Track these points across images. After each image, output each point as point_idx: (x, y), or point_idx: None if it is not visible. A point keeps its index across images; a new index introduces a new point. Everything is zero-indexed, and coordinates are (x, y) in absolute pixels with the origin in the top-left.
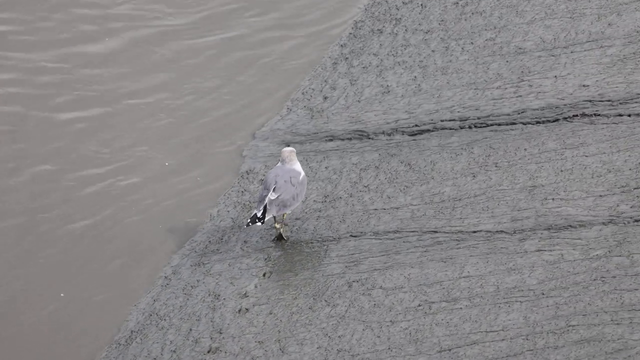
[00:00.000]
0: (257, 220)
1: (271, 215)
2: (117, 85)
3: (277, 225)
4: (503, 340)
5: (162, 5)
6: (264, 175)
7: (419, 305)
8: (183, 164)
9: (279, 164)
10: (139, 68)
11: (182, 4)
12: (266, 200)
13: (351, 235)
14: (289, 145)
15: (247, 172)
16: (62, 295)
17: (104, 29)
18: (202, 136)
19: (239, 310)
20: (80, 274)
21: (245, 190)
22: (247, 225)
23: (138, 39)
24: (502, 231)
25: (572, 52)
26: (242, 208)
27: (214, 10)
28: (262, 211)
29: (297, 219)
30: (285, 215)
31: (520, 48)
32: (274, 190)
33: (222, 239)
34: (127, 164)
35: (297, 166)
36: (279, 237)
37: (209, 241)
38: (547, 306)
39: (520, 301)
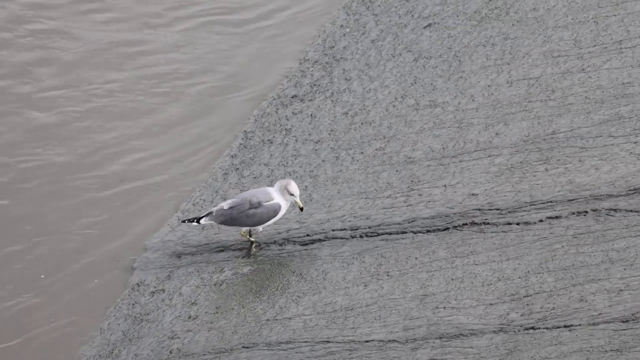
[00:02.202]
0: (193, 220)
1: (210, 222)
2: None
3: (251, 239)
4: None
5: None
6: (155, 287)
7: None
8: (74, 276)
9: (276, 187)
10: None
11: (57, 139)
12: (216, 207)
13: (243, 347)
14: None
15: (137, 284)
16: None
17: None
18: (92, 247)
19: None
20: None
21: (135, 303)
22: (183, 221)
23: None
24: (394, 340)
25: (460, 162)
26: (132, 321)
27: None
28: (204, 214)
29: (188, 330)
30: (243, 234)
31: (409, 157)
32: (230, 201)
33: (112, 352)
34: (8, 277)
35: (281, 199)
36: (249, 250)
37: (99, 355)
38: None
39: None
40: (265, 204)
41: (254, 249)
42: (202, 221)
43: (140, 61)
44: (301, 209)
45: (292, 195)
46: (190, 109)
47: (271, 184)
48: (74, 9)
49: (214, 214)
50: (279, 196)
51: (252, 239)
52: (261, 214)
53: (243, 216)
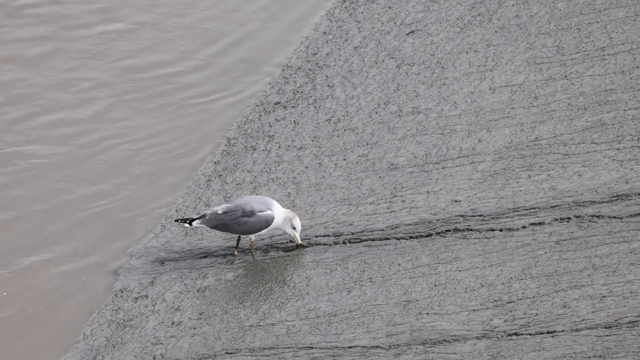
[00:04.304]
0: (185, 221)
1: (202, 225)
2: None
3: (236, 253)
4: None
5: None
6: (138, 293)
7: None
8: (58, 283)
9: (278, 207)
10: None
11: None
12: (210, 210)
13: (227, 352)
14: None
15: (121, 290)
16: None
17: None
18: (77, 253)
19: None
20: None
21: (119, 309)
22: (176, 220)
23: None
24: (377, 346)
25: (443, 168)
26: (116, 326)
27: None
28: (197, 216)
29: (171, 336)
30: (251, 241)
31: (392, 164)
32: (225, 206)
33: (95, 358)
34: None
35: (280, 217)
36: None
37: None
38: None
39: None
40: (258, 213)
41: (253, 252)
42: (194, 223)
43: (123, 64)
44: (297, 246)
45: (294, 229)
46: (173, 116)
47: (254, 191)
48: None
49: (207, 217)
50: (279, 212)
51: (236, 247)
52: (252, 223)
53: (234, 223)
